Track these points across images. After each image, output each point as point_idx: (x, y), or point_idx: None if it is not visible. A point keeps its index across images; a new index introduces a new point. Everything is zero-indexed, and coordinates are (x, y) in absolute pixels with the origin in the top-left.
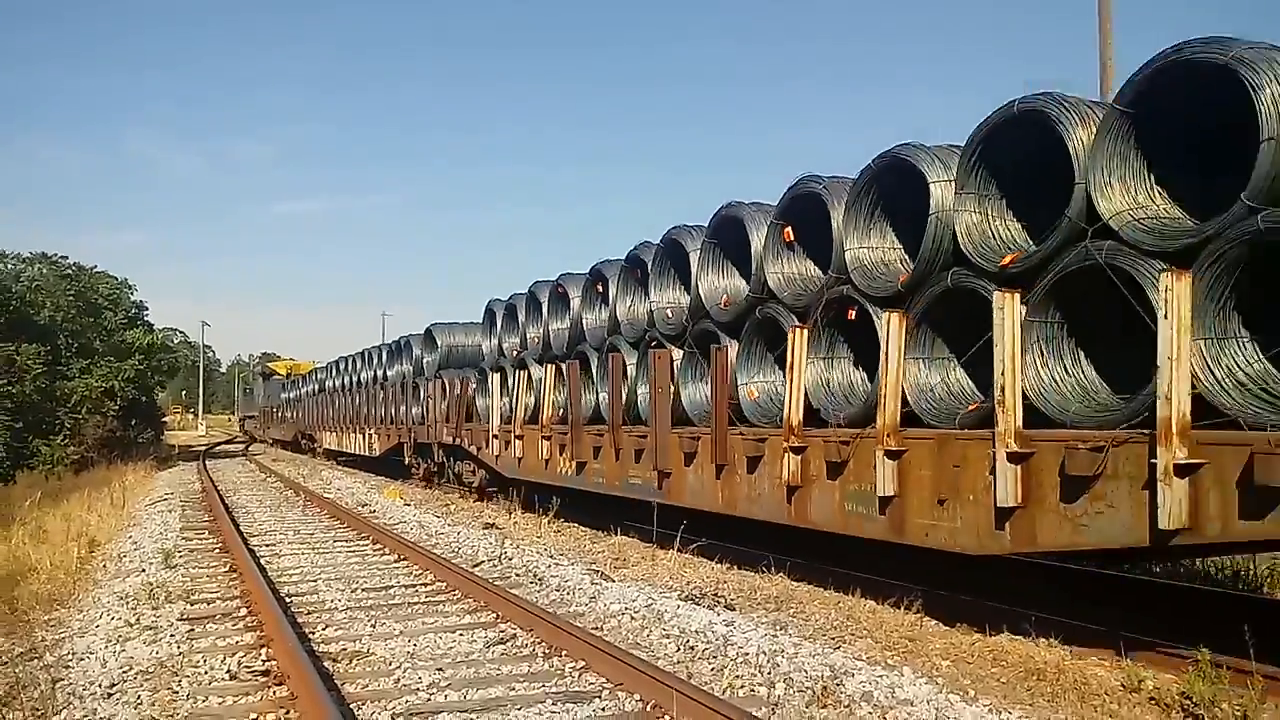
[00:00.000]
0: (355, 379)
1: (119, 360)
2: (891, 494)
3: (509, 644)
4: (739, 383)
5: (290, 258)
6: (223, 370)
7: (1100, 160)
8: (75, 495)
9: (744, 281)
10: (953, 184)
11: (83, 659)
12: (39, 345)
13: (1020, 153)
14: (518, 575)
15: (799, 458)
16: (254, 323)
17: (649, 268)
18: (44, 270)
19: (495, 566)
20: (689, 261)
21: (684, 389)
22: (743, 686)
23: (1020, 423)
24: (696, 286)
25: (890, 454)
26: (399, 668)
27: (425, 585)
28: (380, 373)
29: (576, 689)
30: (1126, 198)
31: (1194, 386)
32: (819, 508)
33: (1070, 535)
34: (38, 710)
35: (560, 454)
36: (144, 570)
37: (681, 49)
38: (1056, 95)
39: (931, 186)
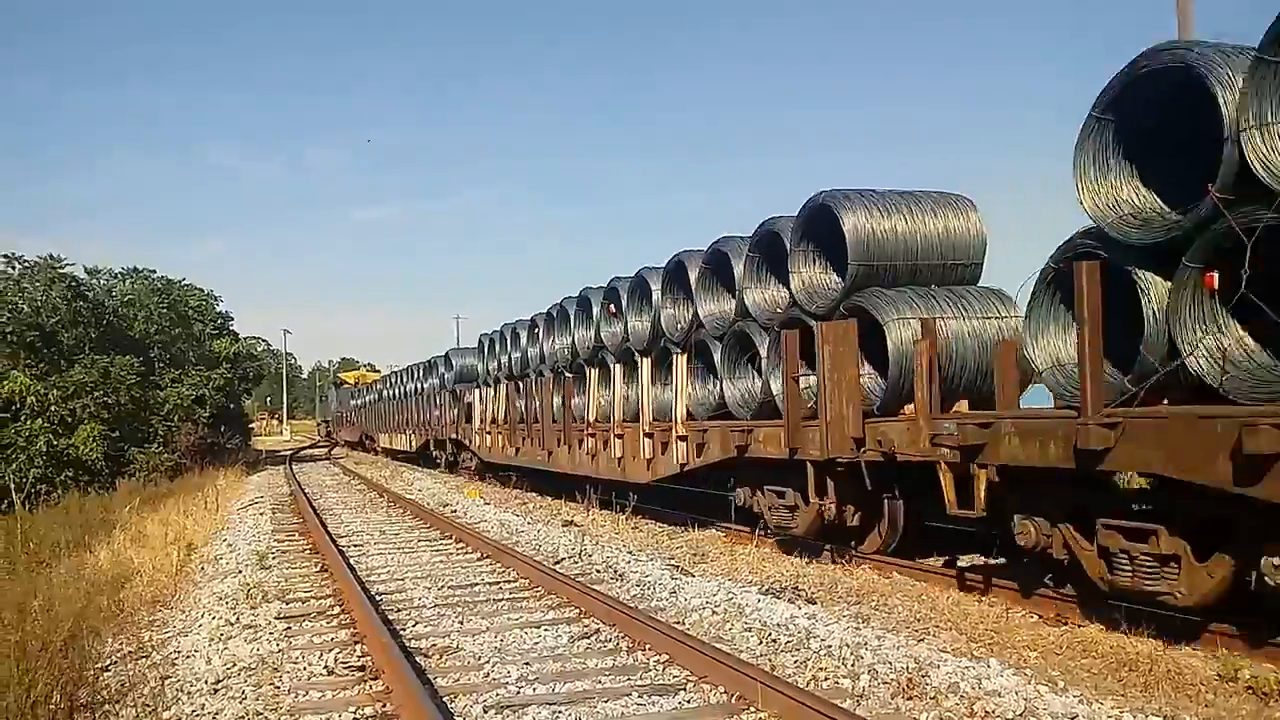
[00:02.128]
0: (403, 390)
1: (208, 369)
2: (620, 456)
3: (593, 638)
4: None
5: (367, 263)
6: (304, 376)
7: (702, 285)
8: (171, 500)
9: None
10: (663, 289)
11: (188, 657)
12: (132, 357)
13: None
14: (598, 571)
15: (594, 440)
16: (333, 328)
17: (553, 321)
18: (135, 285)
19: (576, 563)
20: (571, 320)
21: (578, 396)
22: (827, 679)
23: (652, 418)
24: (573, 336)
25: (618, 436)
26: (488, 662)
27: (509, 582)
28: (418, 385)
29: (661, 682)
30: (714, 305)
31: (724, 398)
32: (602, 466)
33: (665, 470)
34: (148, 706)
35: (509, 443)
36: (240, 571)
37: (761, 34)
38: (685, 254)
39: (653, 292)
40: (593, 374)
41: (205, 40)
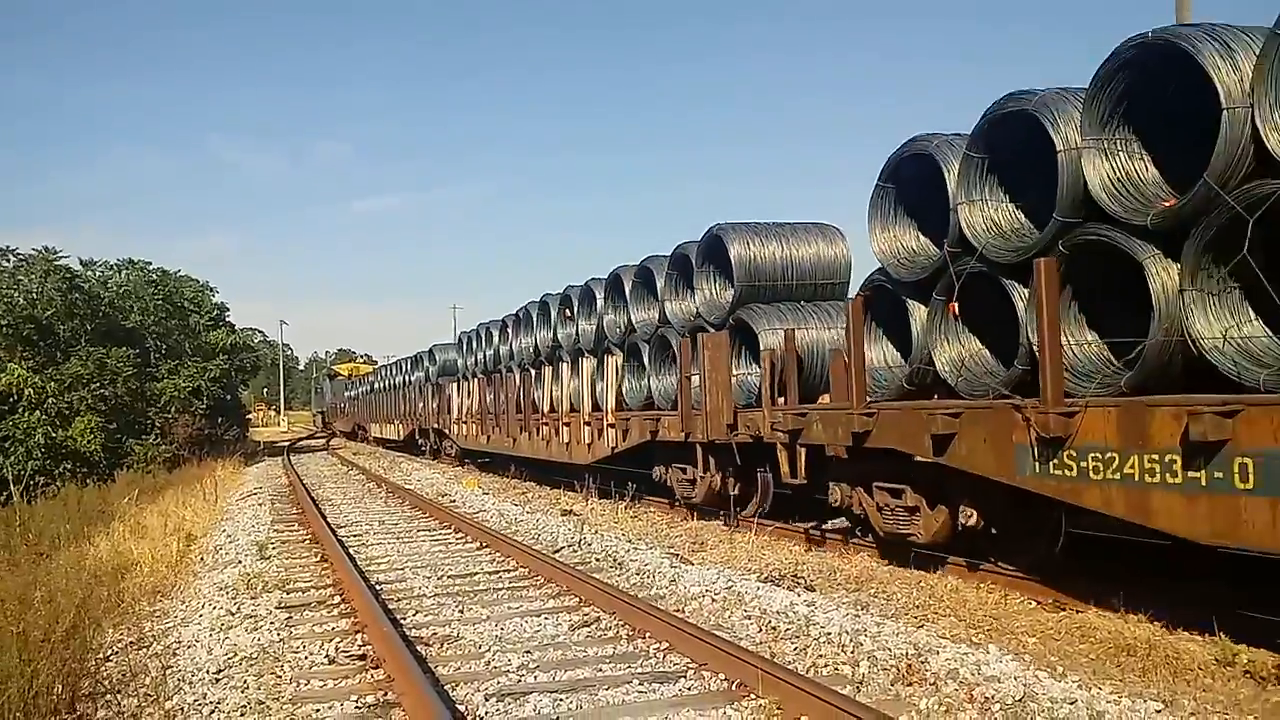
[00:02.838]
0: (392, 382)
1: (205, 361)
2: (569, 441)
3: (593, 627)
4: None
5: (366, 254)
6: (301, 367)
7: (635, 296)
8: (170, 491)
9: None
10: (605, 297)
11: (189, 647)
12: (129, 349)
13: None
14: (598, 560)
15: (548, 428)
16: (330, 319)
17: (520, 323)
18: (131, 276)
19: (575, 552)
20: (534, 322)
21: (537, 390)
22: (826, 665)
23: (590, 408)
24: (535, 336)
25: (565, 424)
26: (489, 651)
27: (508, 571)
28: (406, 378)
29: (662, 669)
30: (643, 313)
31: (652, 392)
32: (554, 449)
33: (601, 452)
34: (150, 696)
35: (481, 432)
36: (240, 562)
37: (764, 29)
38: (622, 268)
39: (598, 300)
40: (548, 370)
41: (207, 33)
